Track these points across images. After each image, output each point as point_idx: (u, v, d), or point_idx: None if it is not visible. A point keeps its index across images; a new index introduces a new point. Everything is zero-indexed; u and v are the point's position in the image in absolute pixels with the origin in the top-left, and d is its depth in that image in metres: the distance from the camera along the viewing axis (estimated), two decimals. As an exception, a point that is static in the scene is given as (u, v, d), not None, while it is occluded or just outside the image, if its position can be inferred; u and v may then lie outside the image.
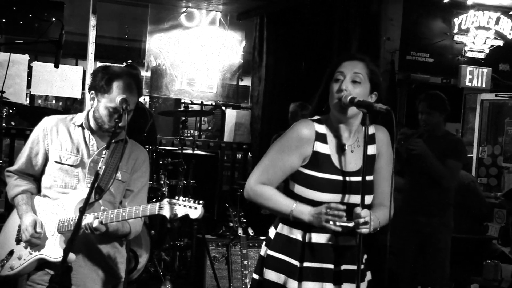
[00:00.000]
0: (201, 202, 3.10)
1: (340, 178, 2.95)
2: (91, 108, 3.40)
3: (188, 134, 9.26)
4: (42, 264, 3.34)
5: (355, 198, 2.93)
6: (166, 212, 3.08)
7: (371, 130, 3.05)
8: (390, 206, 3.00)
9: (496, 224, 9.00)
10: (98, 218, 3.15)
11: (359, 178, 2.95)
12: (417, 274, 5.73)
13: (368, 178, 2.97)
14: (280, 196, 2.97)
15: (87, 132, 3.42)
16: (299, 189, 2.98)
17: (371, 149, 3.02)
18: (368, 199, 2.96)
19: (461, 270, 6.20)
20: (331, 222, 2.81)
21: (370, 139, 2.99)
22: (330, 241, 2.95)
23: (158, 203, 3.11)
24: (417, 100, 5.76)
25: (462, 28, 8.70)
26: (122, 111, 3.24)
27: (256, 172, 3.01)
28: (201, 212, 3.09)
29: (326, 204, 2.84)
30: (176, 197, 3.12)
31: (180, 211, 3.08)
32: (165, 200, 3.09)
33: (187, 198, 3.11)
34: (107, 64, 3.63)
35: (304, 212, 2.90)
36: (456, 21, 8.66)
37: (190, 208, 3.08)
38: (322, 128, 3.00)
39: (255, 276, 3.10)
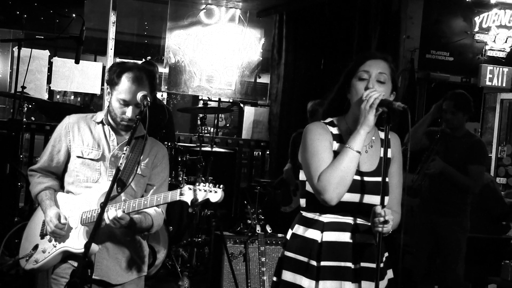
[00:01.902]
0: (221, 186, 3.13)
1: (358, 178, 2.94)
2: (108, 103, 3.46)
3: (206, 131, 9.28)
4: (66, 256, 3.39)
5: (371, 199, 2.93)
6: (187, 198, 3.11)
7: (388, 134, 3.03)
8: (401, 212, 3.01)
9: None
10: (120, 208, 3.19)
11: (375, 179, 2.95)
12: (433, 273, 5.72)
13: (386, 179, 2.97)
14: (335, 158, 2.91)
15: (107, 128, 3.48)
16: (310, 187, 2.98)
17: (388, 153, 3.01)
18: (385, 200, 2.95)
19: (479, 270, 6.17)
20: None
21: (387, 143, 2.98)
22: (348, 239, 2.94)
23: (179, 190, 3.14)
24: (442, 98, 5.73)
25: (483, 27, 8.65)
26: (143, 107, 3.28)
27: (313, 176, 2.90)
28: (221, 196, 3.11)
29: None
30: (197, 183, 3.15)
31: (201, 196, 3.10)
32: (186, 186, 3.13)
33: (207, 183, 3.14)
34: (124, 60, 3.69)
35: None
36: (477, 19, 8.61)
37: (210, 192, 3.11)
38: (335, 130, 3.01)
39: (274, 278, 3.11)
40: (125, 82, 3.35)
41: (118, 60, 8.59)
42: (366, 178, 2.95)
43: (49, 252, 3.40)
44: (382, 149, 2.94)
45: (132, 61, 3.59)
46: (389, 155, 3.03)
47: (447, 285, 5.54)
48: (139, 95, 3.30)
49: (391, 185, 3.04)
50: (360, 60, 2.99)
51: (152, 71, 3.53)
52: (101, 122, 3.49)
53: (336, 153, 2.94)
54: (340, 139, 2.99)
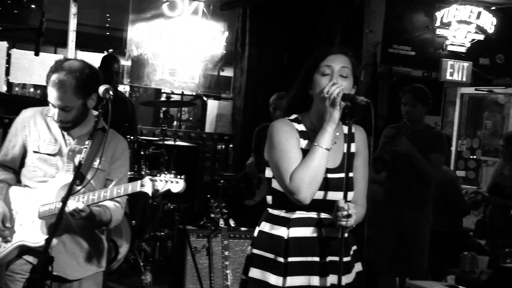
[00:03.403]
0: (182, 176, 3.13)
1: None
2: None
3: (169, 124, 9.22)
4: (22, 251, 3.34)
5: (335, 195, 2.93)
6: (148, 189, 3.09)
7: (352, 128, 3.04)
8: (365, 205, 3.04)
9: (473, 217, 9.08)
10: (79, 200, 3.16)
11: (339, 175, 2.96)
12: (396, 265, 5.80)
13: (350, 174, 2.98)
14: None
15: None
16: (277, 184, 2.98)
17: (352, 147, 3.02)
18: (350, 195, 2.97)
19: (439, 262, 6.27)
20: None
21: (351, 137, 2.99)
22: (314, 234, 2.94)
23: (139, 181, 3.12)
24: (401, 91, 5.83)
25: (443, 22, 8.75)
26: (105, 101, 3.23)
27: (284, 176, 2.88)
28: (183, 186, 3.11)
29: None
30: (158, 174, 3.13)
31: (162, 186, 3.09)
32: (147, 177, 3.11)
33: (168, 174, 3.13)
34: (68, 58, 3.61)
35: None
36: (438, 14, 8.71)
37: (171, 183, 3.10)
38: (300, 127, 3.01)
39: (243, 276, 3.10)
40: (50, 84, 3.28)
41: (81, 52, 8.52)
42: (330, 175, 2.96)
43: (4, 247, 3.35)
44: (346, 145, 2.96)
45: (73, 59, 3.47)
46: (353, 149, 3.04)
47: (412, 276, 5.61)
48: (101, 89, 3.24)
49: (356, 178, 3.06)
50: (322, 56, 2.98)
51: (88, 74, 3.32)
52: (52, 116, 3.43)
53: (303, 151, 2.94)
54: (306, 136, 3.00)
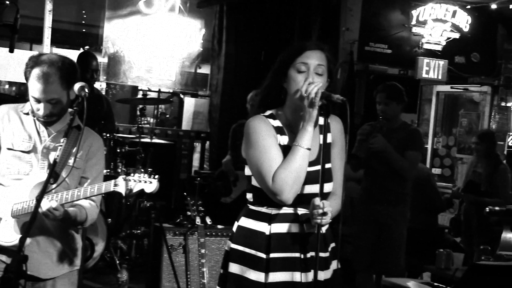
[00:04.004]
0: (156, 176, 3.13)
1: None
2: None
3: (146, 122, 9.18)
4: None
5: (312, 188, 2.94)
6: (121, 188, 3.09)
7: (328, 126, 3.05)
8: (342, 195, 3.03)
9: (448, 214, 9.16)
10: (53, 199, 3.14)
11: (316, 168, 2.96)
12: (373, 263, 5.82)
13: (327, 166, 2.98)
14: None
15: (36, 119, 3.40)
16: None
17: (328, 137, 3.00)
18: (328, 186, 2.98)
19: (415, 259, 6.30)
20: None
21: (326, 130, 2.99)
22: (296, 230, 2.94)
23: (113, 180, 3.12)
24: (375, 90, 5.84)
25: (420, 20, 8.80)
26: (81, 98, 3.22)
27: (265, 178, 2.88)
28: (157, 186, 3.12)
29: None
30: (132, 174, 3.13)
31: (135, 186, 3.10)
32: (120, 177, 3.12)
33: (142, 174, 3.13)
34: (42, 52, 3.59)
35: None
36: (414, 13, 8.76)
37: (145, 183, 3.11)
38: (276, 122, 3.00)
39: (221, 271, 3.10)
40: (33, 79, 3.26)
41: (57, 49, 8.45)
42: (308, 168, 2.95)
43: None
44: (321, 136, 2.96)
45: (51, 53, 3.47)
46: (329, 139, 3.03)
47: (389, 274, 5.63)
48: (76, 86, 3.23)
49: (333, 168, 3.06)
50: (298, 51, 2.97)
51: (69, 65, 3.35)
52: (29, 113, 3.40)
53: (282, 147, 2.94)
54: (283, 131, 2.99)
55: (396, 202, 5.72)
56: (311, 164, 2.97)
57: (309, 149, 2.88)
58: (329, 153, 3.04)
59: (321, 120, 3.00)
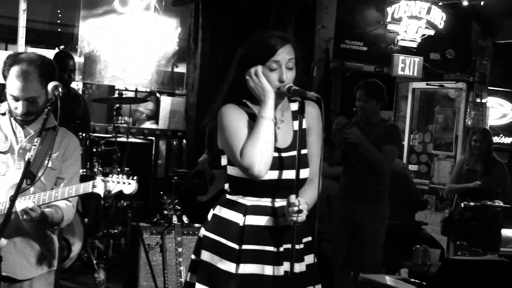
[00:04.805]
0: (135, 177, 3.15)
1: (275, 154, 2.96)
2: None
3: (123, 121, 9.13)
4: None
5: (289, 174, 2.94)
6: (100, 190, 3.11)
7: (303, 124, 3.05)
8: (319, 182, 3.00)
9: (426, 211, 9.22)
10: (30, 200, 3.13)
11: (291, 153, 2.97)
12: (351, 260, 5.83)
13: (303, 151, 2.98)
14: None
15: (13, 119, 3.39)
16: (232, 170, 2.99)
17: (303, 123, 2.99)
18: (304, 172, 2.99)
19: (393, 255, 6.33)
20: None
21: (296, 115, 2.99)
22: (270, 223, 2.95)
23: (91, 181, 3.13)
24: (355, 86, 5.82)
25: (395, 18, 8.85)
26: (55, 98, 3.22)
27: (235, 155, 2.88)
28: (135, 187, 3.13)
29: None
30: (110, 175, 3.14)
31: (114, 188, 3.11)
32: (99, 178, 3.13)
33: (120, 175, 3.14)
34: (20, 51, 3.59)
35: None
36: (389, 10, 8.80)
37: (124, 184, 3.12)
38: (250, 110, 3.01)
39: (193, 257, 3.10)
40: (12, 77, 3.26)
41: (32, 49, 8.38)
42: (283, 154, 2.98)
43: None
44: (295, 122, 2.98)
45: (30, 52, 3.48)
46: (304, 125, 3.03)
47: (366, 271, 5.64)
48: (50, 86, 3.23)
49: (309, 155, 3.07)
50: (270, 53, 2.96)
51: (48, 63, 3.36)
52: (5, 113, 3.40)
53: None
54: (255, 118, 2.98)
55: (374, 200, 5.72)
56: (286, 150, 2.99)
57: (273, 120, 2.89)
58: (303, 139, 3.03)
59: (294, 106, 3.04)
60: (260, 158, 2.84)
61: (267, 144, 2.87)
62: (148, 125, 9.44)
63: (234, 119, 2.94)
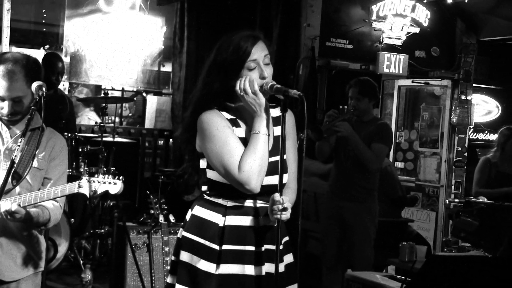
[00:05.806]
0: (121, 177, 3.15)
1: None
2: None
3: (109, 121, 9.11)
4: None
5: (270, 179, 2.95)
6: (85, 190, 3.11)
7: (278, 112, 3.06)
8: (296, 188, 3.06)
9: (413, 208, 9.26)
10: (15, 201, 3.12)
11: (272, 159, 2.97)
12: (341, 258, 5.83)
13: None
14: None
15: None
16: (212, 174, 2.99)
17: (279, 130, 3.00)
18: (285, 177, 3.00)
19: (380, 252, 6.36)
20: None
21: (277, 121, 3.01)
22: (251, 223, 2.95)
23: (77, 182, 3.12)
24: (348, 84, 5.82)
25: (380, 15, 8.86)
26: (39, 98, 3.21)
27: (230, 169, 2.87)
28: (121, 187, 3.14)
29: None
30: (96, 175, 3.14)
31: (100, 188, 3.12)
32: (84, 178, 3.13)
33: (106, 175, 3.14)
34: (4, 51, 3.58)
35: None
36: (374, 8, 8.82)
37: (109, 184, 3.13)
38: (228, 115, 3.00)
39: (172, 258, 3.10)
40: None
41: (16, 49, 8.34)
42: None
43: None
44: (275, 128, 3.00)
45: (15, 52, 3.48)
46: (279, 132, 3.01)
47: (355, 268, 5.65)
48: (34, 86, 3.22)
49: (287, 160, 3.07)
50: (246, 53, 2.94)
51: (33, 63, 3.36)
52: None
53: (239, 139, 2.94)
54: (237, 123, 3.00)
55: (363, 198, 5.72)
56: (268, 155, 2.98)
57: (268, 135, 2.91)
58: (284, 148, 3.04)
59: (274, 113, 3.04)
60: (257, 174, 2.86)
61: (264, 161, 2.89)
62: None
63: (218, 128, 2.92)
